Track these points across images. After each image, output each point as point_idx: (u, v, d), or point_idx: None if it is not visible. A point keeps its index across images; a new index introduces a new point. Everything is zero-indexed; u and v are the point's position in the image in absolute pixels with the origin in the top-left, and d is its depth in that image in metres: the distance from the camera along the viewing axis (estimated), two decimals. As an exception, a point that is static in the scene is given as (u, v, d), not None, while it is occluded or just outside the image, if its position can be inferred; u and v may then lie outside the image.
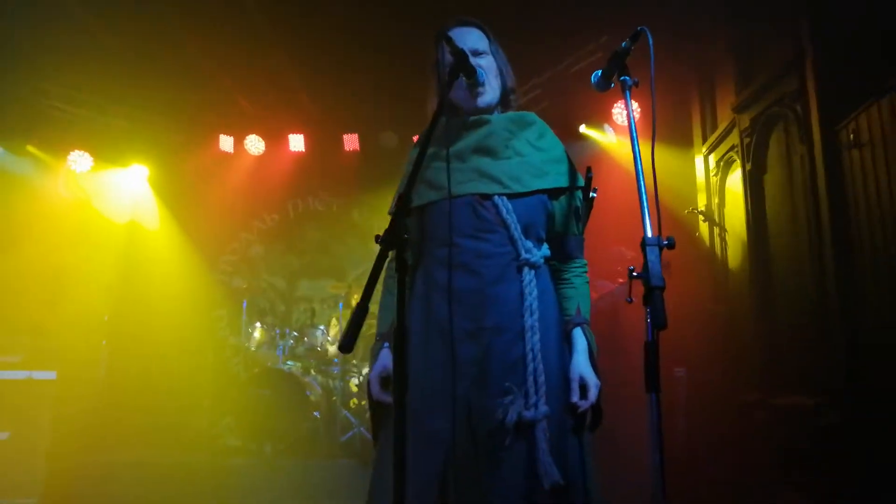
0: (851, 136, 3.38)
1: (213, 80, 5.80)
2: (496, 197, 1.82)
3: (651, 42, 1.66)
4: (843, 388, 3.27)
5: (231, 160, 6.99)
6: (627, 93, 1.74)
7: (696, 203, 5.22)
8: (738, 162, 4.59)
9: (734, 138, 4.65)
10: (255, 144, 6.99)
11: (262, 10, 4.76)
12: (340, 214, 7.36)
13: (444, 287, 1.77)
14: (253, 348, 5.77)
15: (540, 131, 1.95)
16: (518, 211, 1.81)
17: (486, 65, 1.92)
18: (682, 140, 5.41)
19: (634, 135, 1.67)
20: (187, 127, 6.65)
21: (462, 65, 1.77)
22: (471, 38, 1.93)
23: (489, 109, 1.93)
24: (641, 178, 1.60)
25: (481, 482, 1.66)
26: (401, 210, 1.28)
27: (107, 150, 6.40)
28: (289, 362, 5.65)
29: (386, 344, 1.90)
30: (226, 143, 6.91)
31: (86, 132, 6.22)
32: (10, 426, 4.37)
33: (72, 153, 6.31)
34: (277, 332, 5.72)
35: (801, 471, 3.35)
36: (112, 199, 6.51)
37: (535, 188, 1.84)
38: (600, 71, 1.84)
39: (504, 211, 1.81)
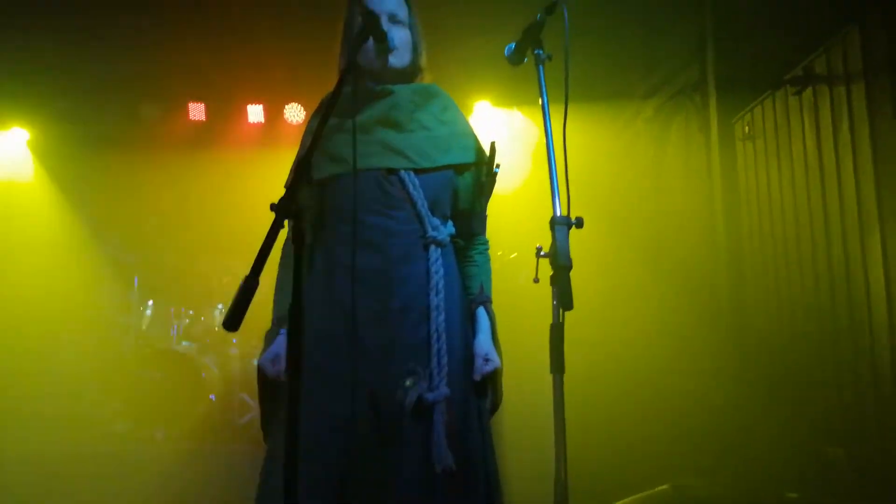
0: (747, 128, 3.53)
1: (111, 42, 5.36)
2: (402, 172, 1.74)
3: (566, 15, 1.63)
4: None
5: (125, 125, 6.52)
6: (541, 67, 1.70)
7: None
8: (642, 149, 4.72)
9: (637, 125, 4.78)
10: (151, 111, 6.56)
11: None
12: (245, 188, 7.05)
13: (348, 266, 1.68)
14: (144, 328, 5.46)
15: (444, 104, 1.89)
16: (424, 187, 1.75)
17: (402, 36, 1.83)
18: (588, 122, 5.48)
19: (547, 111, 1.64)
20: (75, 89, 6.14)
21: (372, 27, 1.68)
22: (390, 2, 1.84)
23: (395, 77, 1.84)
24: (552, 155, 1.57)
25: (383, 467, 1.60)
26: (298, 179, 1.18)
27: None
28: (184, 342, 5.38)
29: (283, 330, 1.79)
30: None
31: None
32: None
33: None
34: (172, 310, 5.43)
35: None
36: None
37: (441, 163, 1.78)
38: (514, 44, 1.79)
39: (411, 186, 1.73)
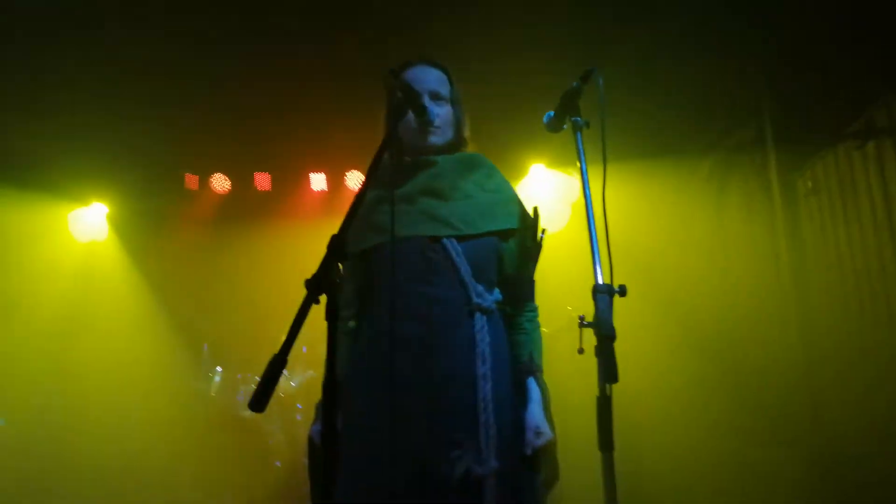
0: (809, 183, 3.42)
1: (178, 119, 5.71)
2: (445, 239, 1.76)
3: (601, 83, 1.64)
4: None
5: (196, 198, 6.86)
6: (578, 133, 1.72)
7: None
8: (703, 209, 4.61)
9: (695, 185, 4.69)
10: (220, 182, 6.88)
11: (224, 52, 4.71)
12: (309, 255, 7.22)
13: (391, 334, 1.69)
14: (213, 394, 5.58)
15: (488, 173, 1.91)
16: (468, 253, 1.75)
17: (443, 113, 1.87)
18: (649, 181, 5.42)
19: (586, 177, 1.63)
20: (150, 165, 6.53)
21: (411, 102, 1.73)
22: (431, 79, 1.89)
23: (438, 150, 1.88)
24: (592, 222, 1.56)
25: None
26: (333, 251, 1.21)
27: (69, 188, 6.25)
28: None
29: None
30: (190, 181, 6.80)
31: (48, 169, 6.07)
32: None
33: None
34: (239, 376, 5.55)
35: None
36: (69, 237, 6.33)
37: (484, 230, 1.78)
38: (552, 112, 1.81)
39: (454, 253, 1.75)
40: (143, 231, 6.55)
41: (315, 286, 1.15)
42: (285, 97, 5.25)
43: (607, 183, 1.60)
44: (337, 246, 1.21)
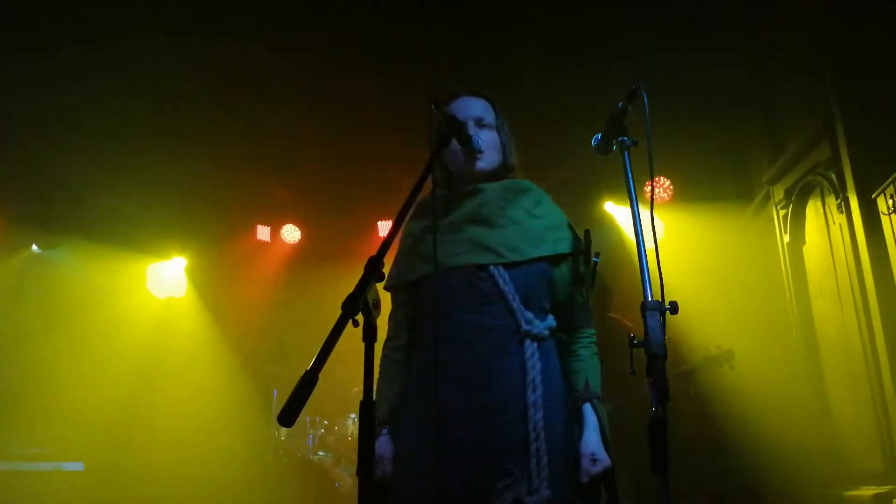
0: (891, 201, 3.22)
1: (249, 173, 5.97)
2: (492, 267, 1.73)
3: (646, 100, 1.60)
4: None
5: (267, 249, 7.10)
6: (626, 154, 1.67)
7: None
8: (777, 235, 4.42)
9: (769, 211, 4.50)
10: (290, 233, 7.10)
11: (294, 103, 4.92)
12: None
13: (441, 364, 1.67)
14: (283, 438, 5.64)
15: (537, 198, 1.88)
16: (516, 280, 1.72)
17: (489, 138, 1.87)
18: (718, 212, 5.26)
19: (633, 195, 1.58)
20: (225, 218, 6.82)
21: (454, 130, 1.73)
22: (475, 108, 1.89)
23: (485, 177, 1.87)
24: (642, 240, 1.51)
25: None
26: (369, 274, 1.21)
27: (149, 243, 6.57)
28: (319, 452, 5.49)
29: (385, 430, 1.79)
30: (262, 232, 7.05)
31: (129, 225, 6.42)
32: (37, 519, 4.30)
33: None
34: (307, 419, 5.60)
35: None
36: (149, 289, 6.63)
37: (532, 256, 1.75)
38: (600, 134, 1.78)
39: (501, 281, 1.72)
40: (217, 282, 6.80)
41: (351, 306, 1.14)
42: (345, 146, 5.42)
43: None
44: (374, 267, 1.20)
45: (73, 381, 5.27)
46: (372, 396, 1.14)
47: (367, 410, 1.08)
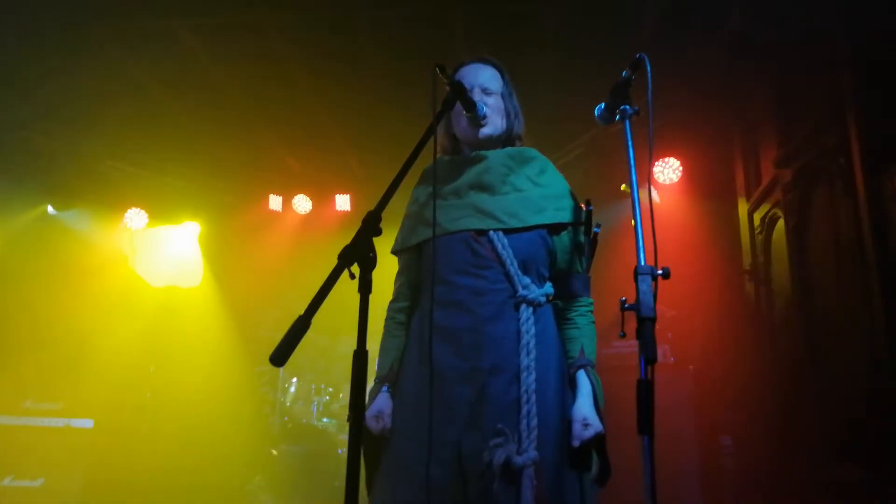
0: (898, 185, 3.21)
1: (264, 142, 6.01)
2: (491, 232, 1.77)
3: (649, 69, 1.62)
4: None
5: (278, 219, 7.15)
6: (627, 122, 1.70)
7: (742, 262, 5.01)
8: (783, 218, 4.41)
9: (778, 194, 4.49)
10: (302, 204, 7.14)
11: (309, 75, 4.92)
12: (381, 274, 7.36)
13: (439, 327, 1.72)
14: (288, 403, 5.74)
15: (541, 167, 1.90)
16: (514, 246, 1.76)
17: (494, 103, 1.89)
18: (726, 197, 5.26)
19: (632, 162, 1.60)
20: (239, 187, 6.88)
21: (459, 95, 1.75)
22: (484, 75, 1.91)
23: (490, 144, 1.89)
24: (637, 206, 1.54)
25: None
26: (369, 228, 1.24)
27: (162, 208, 6.65)
28: (324, 419, 5.59)
29: (385, 388, 1.85)
30: (275, 202, 7.10)
31: (143, 191, 6.50)
32: (44, 473, 4.41)
33: (129, 210, 6.56)
34: (313, 387, 5.69)
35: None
36: (160, 255, 6.71)
37: (532, 223, 1.78)
38: (603, 104, 1.80)
39: (499, 246, 1.75)
40: (229, 249, 6.87)
41: (346, 257, 1.18)
42: (367, 123, 5.44)
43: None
44: (370, 221, 1.24)
45: (86, 338, 5.37)
46: (365, 346, 1.18)
47: (360, 360, 1.13)
